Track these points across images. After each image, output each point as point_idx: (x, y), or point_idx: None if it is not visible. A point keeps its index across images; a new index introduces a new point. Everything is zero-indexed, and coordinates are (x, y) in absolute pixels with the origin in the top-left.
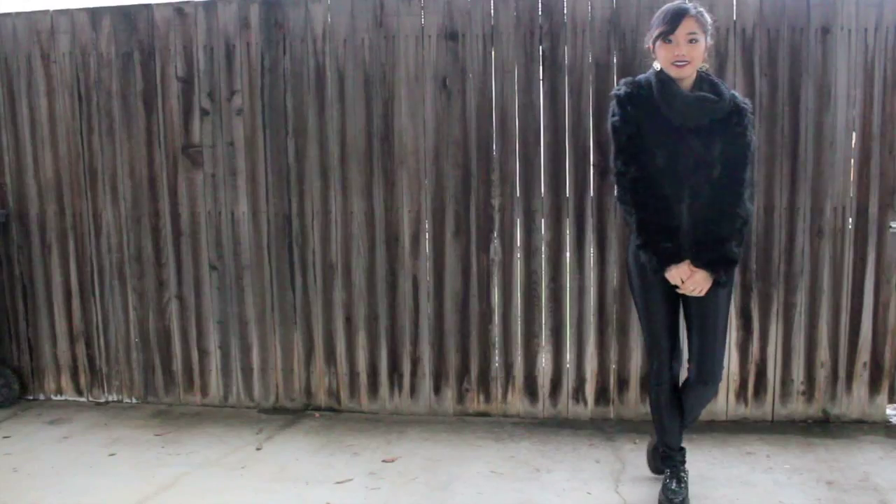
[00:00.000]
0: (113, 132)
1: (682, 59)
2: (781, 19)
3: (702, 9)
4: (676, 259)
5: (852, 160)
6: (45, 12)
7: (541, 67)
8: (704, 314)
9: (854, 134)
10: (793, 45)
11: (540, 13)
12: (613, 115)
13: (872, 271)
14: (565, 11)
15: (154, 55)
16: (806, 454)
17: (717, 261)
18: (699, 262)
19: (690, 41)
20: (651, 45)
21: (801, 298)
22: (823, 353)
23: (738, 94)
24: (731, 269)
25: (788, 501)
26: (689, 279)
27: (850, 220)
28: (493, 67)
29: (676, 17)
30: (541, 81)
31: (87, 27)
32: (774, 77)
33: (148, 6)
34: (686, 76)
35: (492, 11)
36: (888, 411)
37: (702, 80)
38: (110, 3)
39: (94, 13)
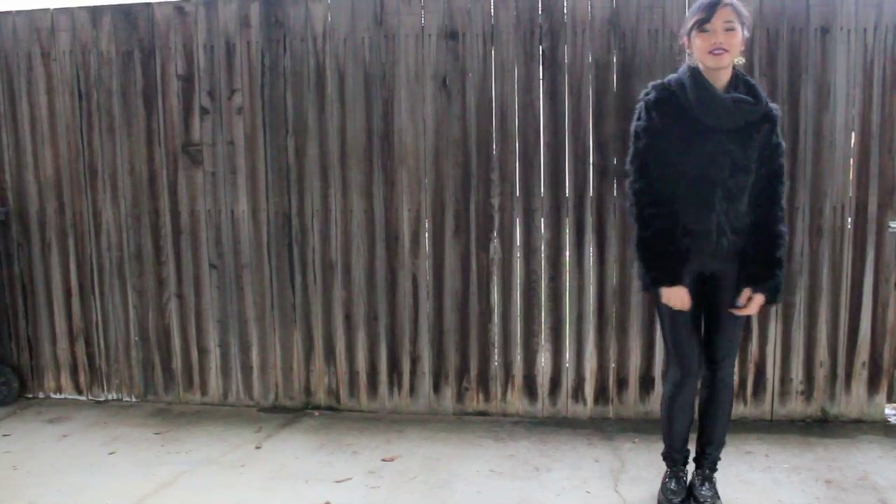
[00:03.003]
0: (113, 130)
1: (719, 47)
2: (781, 19)
3: (737, 1)
4: (669, 282)
5: (851, 159)
6: (46, 10)
7: (541, 67)
8: (731, 318)
9: (853, 133)
10: (792, 45)
11: (540, 13)
12: (638, 119)
13: (871, 270)
14: (565, 11)
15: (154, 53)
16: (805, 453)
17: (776, 288)
18: (763, 289)
19: (727, 29)
20: (686, 39)
21: (800, 297)
22: (822, 353)
23: (768, 98)
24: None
25: (787, 500)
26: (753, 306)
27: (850, 219)
28: (492, 67)
29: (712, 6)
30: (541, 81)
31: (87, 25)
32: (774, 76)
33: (148, 4)
34: (724, 66)
35: (492, 11)
36: (887, 411)
37: (737, 79)
38: (110, 1)
39: (95, 11)
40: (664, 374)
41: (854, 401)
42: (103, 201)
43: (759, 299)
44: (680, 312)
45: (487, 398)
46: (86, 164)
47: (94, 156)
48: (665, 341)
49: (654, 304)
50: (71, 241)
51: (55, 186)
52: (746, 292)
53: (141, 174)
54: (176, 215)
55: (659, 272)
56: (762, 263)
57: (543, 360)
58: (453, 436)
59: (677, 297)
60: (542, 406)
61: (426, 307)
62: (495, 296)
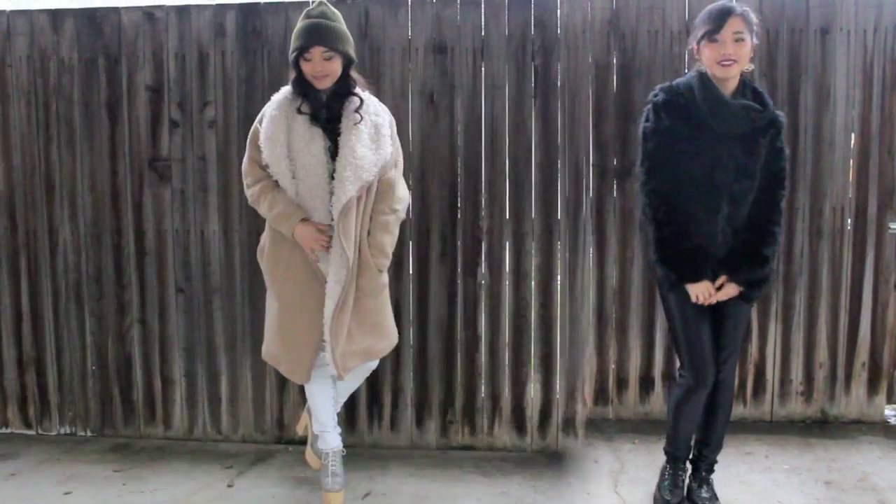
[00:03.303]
0: (73, 142)
1: (728, 58)
2: (781, 20)
3: (747, 8)
4: (694, 278)
5: (851, 160)
6: (1, 12)
7: (533, 84)
8: (736, 320)
9: (853, 134)
10: (792, 46)
11: (532, 28)
12: (646, 121)
13: (871, 272)
14: (558, 26)
15: (121, 61)
16: (804, 454)
17: (756, 282)
18: (738, 280)
19: (736, 40)
20: (695, 46)
21: (800, 299)
22: (822, 354)
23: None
24: (766, 287)
25: (787, 501)
26: (722, 293)
27: (849, 220)
28: (482, 83)
29: (722, 16)
30: (533, 98)
31: (47, 29)
32: (774, 78)
33: (115, 9)
34: (732, 76)
35: (482, 24)
36: (886, 412)
37: (745, 86)
38: (73, 4)
39: (56, 15)
40: (664, 375)
41: (854, 402)
42: (60, 219)
43: (730, 289)
44: (693, 317)
45: (473, 432)
46: (42, 178)
47: (52, 169)
48: (678, 348)
49: (655, 305)
50: (23, 262)
51: (7, 202)
52: (721, 279)
53: (103, 190)
54: (140, 235)
55: (683, 269)
56: (745, 256)
57: (533, 392)
58: (438, 472)
59: (704, 291)
60: (532, 440)
61: (409, 335)
62: (482, 323)
